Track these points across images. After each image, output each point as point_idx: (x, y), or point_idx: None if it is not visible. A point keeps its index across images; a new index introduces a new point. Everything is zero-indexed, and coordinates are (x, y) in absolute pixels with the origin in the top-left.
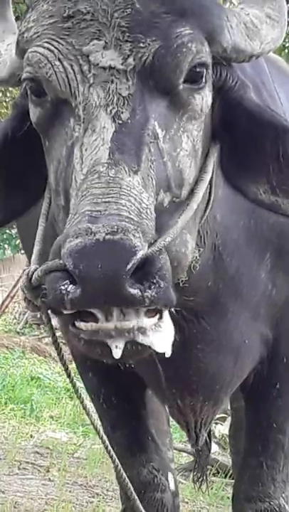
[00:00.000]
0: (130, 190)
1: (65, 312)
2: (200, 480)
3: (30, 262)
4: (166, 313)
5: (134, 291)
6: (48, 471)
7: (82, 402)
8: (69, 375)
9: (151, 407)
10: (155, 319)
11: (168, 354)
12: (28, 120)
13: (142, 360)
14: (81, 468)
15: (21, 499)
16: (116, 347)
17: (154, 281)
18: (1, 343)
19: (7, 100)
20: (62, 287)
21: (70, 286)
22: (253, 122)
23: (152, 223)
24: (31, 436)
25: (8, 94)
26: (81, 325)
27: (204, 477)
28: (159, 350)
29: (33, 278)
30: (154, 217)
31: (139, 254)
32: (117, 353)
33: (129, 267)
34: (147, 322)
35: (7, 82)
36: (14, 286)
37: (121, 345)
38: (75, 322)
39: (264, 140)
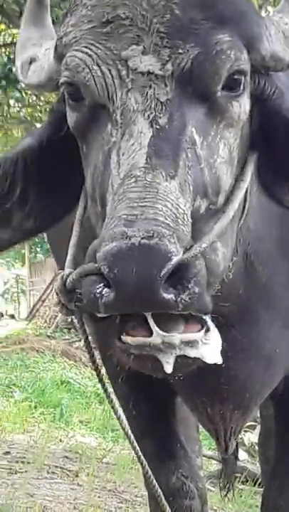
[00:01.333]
0: (167, 195)
1: (99, 315)
2: (227, 488)
3: (59, 268)
4: (211, 324)
5: (169, 296)
6: (76, 476)
7: (113, 407)
8: (101, 380)
9: (180, 414)
10: (203, 332)
11: (219, 363)
12: (65, 125)
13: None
14: (110, 474)
15: (50, 503)
16: (167, 362)
17: (189, 286)
18: (31, 347)
19: (41, 104)
20: (97, 290)
21: (105, 289)
22: None
23: (188, 229)
24: (61, 440)
25: (42, 98)
26: (128, 339)
27: (231, 485)
28: (210, 361)
29: (68, 281)
30: (190, 223)
31: (175, 260)
32: (168, 368)
33: (163, 272)
34: (196, 335)
35: (44, 87)
36: (45, 290)
37: (171, 360)
38: (122, 337)
39: None
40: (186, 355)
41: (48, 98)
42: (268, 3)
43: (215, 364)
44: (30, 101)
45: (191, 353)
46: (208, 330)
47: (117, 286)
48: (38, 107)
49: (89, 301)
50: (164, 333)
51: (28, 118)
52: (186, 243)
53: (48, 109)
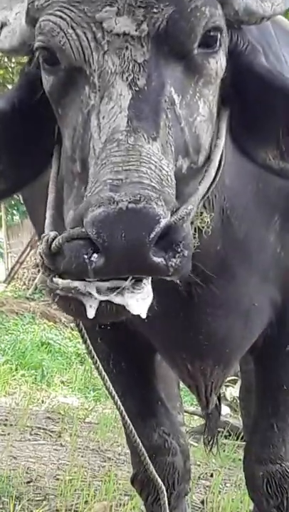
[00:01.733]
0: (150, 157)
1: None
2: (210, 443)
3: (36, 229)
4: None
5: (159, 259)
6: (59, 436)
7: (97, 367)
8: (85, 341)
9: (160, 371)
10: (132, 280)
11: (143, 316)
12: (40, 89)
13: (144, 322)
14: (93, 433)
15: (33, 464)
16: (90, 306)
17: (179, 249)
18: (11, 309)
19: (12, 66)
20: (86, 256)
21: (94, 254)
22: (264, 87)
23: (173, 191)
24: (42, 401)
25: (13, 60)
26: (59, 281)
27: (214, 440)
28: (135, 312)
29: (53, 245)
30: (175, 184)
31: (163, 223)
32: (91, 313)
33: (152, 235)
34: (123, 282)
35: (17, 51)
36: (23, 251)
37: (95, 304)
38: (53, 278)
39: (275, 105)
40: (110, 301)
41: (20, 60)
42: None
43: (190, 319)
44: (2, 62)
45: (116, 299)
46: (139, 280)
47: (106, 251)
48: (9, 69)
49: (77, 267)
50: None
51: (0, 80)
52: (172, 205)
53: (19, 70)
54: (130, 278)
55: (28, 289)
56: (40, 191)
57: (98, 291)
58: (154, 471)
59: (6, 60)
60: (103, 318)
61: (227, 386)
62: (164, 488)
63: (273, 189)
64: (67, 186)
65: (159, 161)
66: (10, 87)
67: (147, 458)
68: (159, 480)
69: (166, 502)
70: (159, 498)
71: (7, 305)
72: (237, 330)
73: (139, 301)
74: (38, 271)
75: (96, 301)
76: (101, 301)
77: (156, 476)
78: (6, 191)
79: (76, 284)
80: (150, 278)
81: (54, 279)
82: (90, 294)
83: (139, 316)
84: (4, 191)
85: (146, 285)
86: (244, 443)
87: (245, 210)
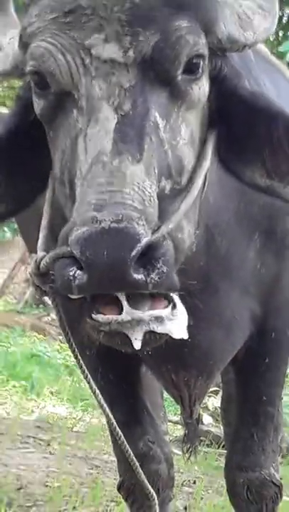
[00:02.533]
0: (134, 178)
1: (73, 297)
2: (190, 451)
3: (29, 249)
4: (178, 301)
5: (139, 276)
6: (48, 445)
7: (86, 377)
8: (76, 356)
9: (145, 382)
10: (169, 308)
11: (186, 338)
12: (32, 112)
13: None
14: (80, 442)
15: (23, 472)
16: (135, 339)
17: (158, 266)
18: (2, 322)
19: (4, 90)
20: (70, 273)
21: (78, 272)
22: (248, 109)
23: (155, 210)
24: (32, 411)
25: (5, 84)
26: (98, 317)
27: (194, 448)
28: (177, 336)
29: (42, 264)
30: (157, 204)
31: (144, 241)
32: (137, 344)
33: (133, 253)
34: (163, 312)
35: (10, 74)
36: (14, 267)
37: (140, 336)
38: (92, 315)
39: (259, 126)
40: (153, 331)
41: (12, 84)
42: None
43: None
44: None
45: (159, 328)
46: (174, 306)
47: (89, 268)
48: (0, 92)
49: (62, 284)
50: (133, 311)
51: None
52: (153, 224)
53: (10, 95)
54: (168, 305)
55: (19, 303)
56: (33, 211)
57: (141, 322)
58: (144, 478)
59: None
60: (147, 347)
61: (209, 396)
62: (155, 495)
63: (255, 208)
64: (60, 207)
65: (142, 183)
66: (1, 109)
67: (137, 464)
68: (150, 487)
69: (158, 509)
70: (144, 504)
71: None
72: (219, 342)
73: (178, 325)
74: (29, 286)
75: (141, 332)
76: (145, 332)
77: (147, 482)
78: (8, 213)
79: (119, 317)
80: (180, 302)
81: (94, 316)
82: (134, 326)
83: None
84: (6, 213)
85: (181, 309)
86: (225, 451)
87: (228, 228)
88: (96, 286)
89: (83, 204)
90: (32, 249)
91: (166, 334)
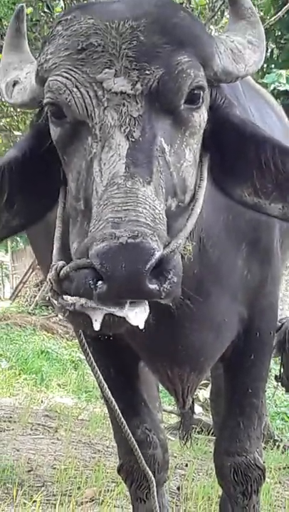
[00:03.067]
0: (145, 198)
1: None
2: (185, 437)
3: (37, 257)
4: None
5: (153, 286)
6: (56, 432)
7: (95, 372)
8: (88, 354)
9: (143, 376)
10: None
11: (141, 327)
12: (48, 139)
13: (132, 335)
14: (84, 429)
15: (33, 456)
16: (96, 320)
17: (170, 277)
18: (15, 322)
19: (18, 115)
20: (91, 282)
21: (98, 282)
22: (238, 135)
23: (165, 227)
24: (42, 401)
25: (18, 110)
26: (68, 298)
27: (189, 435)
28: (134, 323)
29: (62, 272)
30: (166, 221)
31: (157, 255)
32: (97, 326)
33: (148, 266)
34: None
35: (28, 106)
36: (26, 273)
37: (100, 318)
38: (63, 295)
39: (248, 150)
40: (113, 314)
41: (25, 110)
42: (210, 23)
43: (170, 332)
44: (8, 111)
45: (117, 312)
46: None
47: (109, 279)
48: (15, 117)
49: (85, 291)
50: None
51: (7, 127)
52: (164, 240)
53: (23, 118)
54: None
55: (30, 305)
56: (42, 226)
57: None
58: (142, 459)
59: (11, 109)
60: (107, 330)
61: (200, 389)
62: (153, 478)
63: (242, 221)
64: (72, 221)
65: (152, 202)
66: (15, 132)
67: (136, 446)
68: (148, 468)
69: (155, 490)
70: (142, 485)
71: (12, 318)
72: (210, 341)
73: (137, 313)
74: (39, 289)
75: (100, 315)
76: (105, 315)
77: (145, 464)
78: (21, 226)
79: (83, 300)
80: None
81: (64, 297)
82: (94, 308)
83: (133, 327)
84: (20, 226)
85: (144, 302)
86: (214, 438)
87: (218, 239)
88: (115, 295)
89: (101, 221)
90: (39, 257)
91: (124, 320)
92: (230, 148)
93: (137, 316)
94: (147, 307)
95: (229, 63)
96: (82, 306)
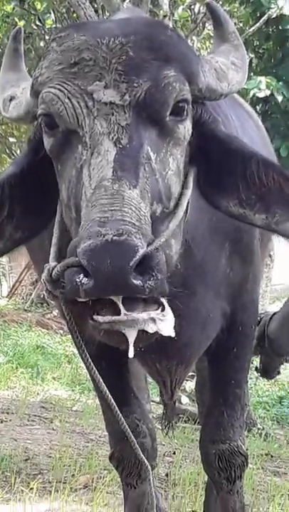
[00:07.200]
0: (131, 200)
1: (80, 300)
2: (167, 427)
3: (34, 263)
4: (166, 304)
5: (137, 282)
6: (51, 422)
7: (89, 366)
8: (83, 351)
9: (132, 369)
10: (160, 310)
11: (173, 335)
12: (42, 150)
13: None
14: (78, 419)
15: (30, 445)
16: (130, 336)
17: (153, 273)
18: (11, 319)
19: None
20: (78, 279)
21: (84, 278)
22: (224, 149)
23: (149, 227)
24: (38, 394)
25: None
26: (99, 318)
27: (171, 424)
28: (166, 334)
29: (54, 273)
30: (150, 223)
31: (141, 252)
32: (132, 341)
33: (132, 262)
34: (154, 314)
35: (23, 119)
36: (21, 272)
37: (134, 334)
38: (94, 316)
39: (233, 164)
40: (146, 330)
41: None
42: (192, 34)
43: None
44: (3, 119)
45: (151, 327)
46: (163, 308)
47: (94, 275)
48: (9, 125)
49: (71, 289)
50: (129, 312)
51: (3, 134)
52: (148, 239)
53: (17, 126)
54: (158, 308)
55: (26, 302)
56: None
57: (135, 322)
58: (137, 447)
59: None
60: (141, 344)
61: (187, 381)
62: (149, 466)
63: (225, 221)
64: (68, 229)
65: (138, 204)
66: (10, 139)
67: (129, 431)
68: (141, 453)
69: (152, 478)
70: (132, 472)
71: (9, 315)
72: (196, 336)
73: (167, 325)
74: (34, 288)
75: (135, 331)
76: (139, 331)
77: (140, 452)
78: (25, 238)
79: (114, 318)
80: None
81: (94, 317)
82: (129, 326)
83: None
84: (24, 239)
85: (169, 311)
86: (200, 426)
87: (202, 239)
88: (100, 290)
89: (88, 221)
90: (35, 262)
91: (157, 332)
92: (217, 162)
93: (168, 326)
94: (172, 315)
95: (213, 81)
96: (116, 325)
